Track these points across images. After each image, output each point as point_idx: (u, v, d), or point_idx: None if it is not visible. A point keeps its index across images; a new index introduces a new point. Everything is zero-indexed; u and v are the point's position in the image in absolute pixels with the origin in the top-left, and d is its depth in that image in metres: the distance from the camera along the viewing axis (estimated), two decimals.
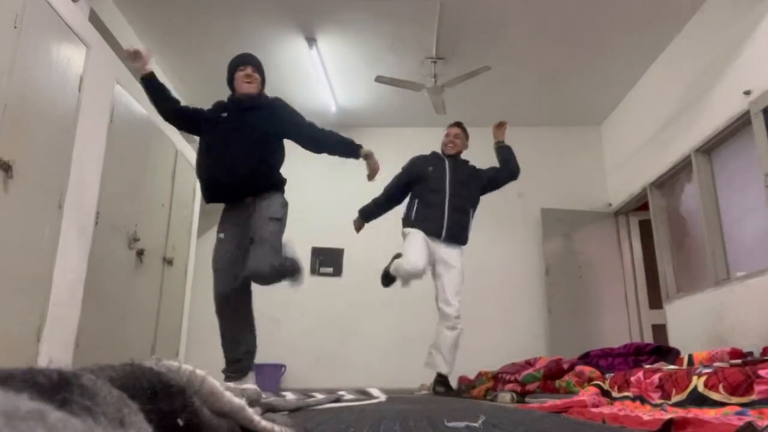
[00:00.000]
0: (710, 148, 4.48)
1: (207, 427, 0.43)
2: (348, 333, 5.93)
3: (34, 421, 0.22)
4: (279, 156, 3.08)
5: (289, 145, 3.11)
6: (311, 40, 5.00)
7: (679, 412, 1.29)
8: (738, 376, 1.35)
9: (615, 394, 1.91)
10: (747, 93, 3.92)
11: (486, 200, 6.99)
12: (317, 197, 6.25)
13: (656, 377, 1.67)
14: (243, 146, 2.86)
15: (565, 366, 2.98)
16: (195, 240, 5.34)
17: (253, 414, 0.51)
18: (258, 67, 3.10)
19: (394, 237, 3.93)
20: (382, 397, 2.66)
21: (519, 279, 6.19)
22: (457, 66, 5.20)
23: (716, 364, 1.81)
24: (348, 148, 3.11)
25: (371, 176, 3.13)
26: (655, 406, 1.58)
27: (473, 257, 6.05)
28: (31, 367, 0.30)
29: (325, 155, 3.17)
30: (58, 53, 3.07)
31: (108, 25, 4.34)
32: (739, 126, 4.09)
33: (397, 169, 4.02)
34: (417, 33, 4.94)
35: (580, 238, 6.19)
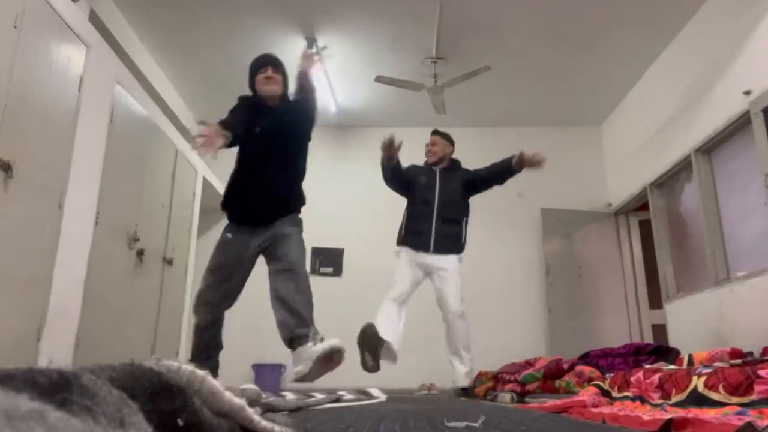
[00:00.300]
0: (710, 148, 4.48)
1: (207, 427, 0.43)
2: (348, 333, 5.91)
3: (34, 421, 0.22)
4: (304, 169, 2.99)
5: None
6: (311, 40, 5.00)
7: (679, 412, 1.29)
8: (738, 376, 1.35)
9: (615, 394, 1.91)
10: (747, 93, 3.92)
11: (486, 200, 6.98)
12: (317, 197, 6.23)
13: (656, 377, 1.67)
14: (278, 168, 2.77)
15: (565, 366, 2.98)
16: (195, 240, 5.34)
17: (253, 414, 0.51)
18: (278, 66, 3.01)
19: (394, 237, 3.94)
20: (382, 397, 2.66)
21: (519, 279, 6.19)
22: (457, 66, 5.19)
23: (716, 364, 1.81)
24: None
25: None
26: (655, 406, 1.58)
27: (473, 257, 6.04)
28: (31, 367, 0.30)
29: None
30: (58, 53, 3.07)
31: (108, 25, 4.34)
32: (739, 126, 4.09)
33: None
34: (417, 33, 4.94)
35: (580, 238, 6.19)
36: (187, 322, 5.10)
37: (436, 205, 3.70)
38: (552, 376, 2.96)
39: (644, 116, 5.57)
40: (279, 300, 2.62)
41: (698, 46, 4.61)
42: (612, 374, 2.20)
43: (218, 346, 2.82)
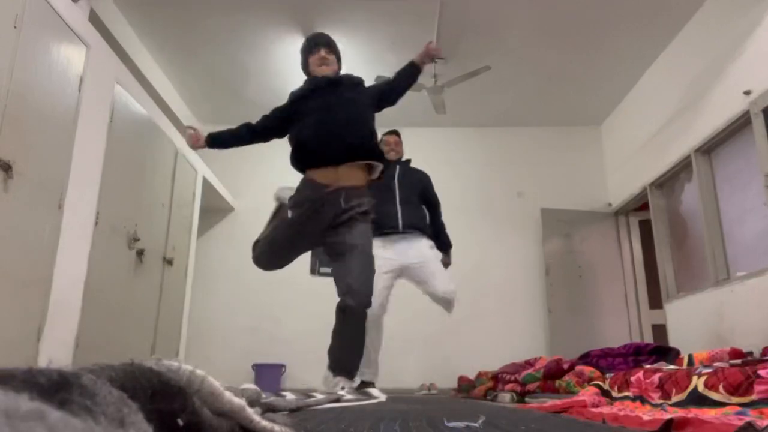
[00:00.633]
0: (710, 148, 4.48)
1: (207, 427, 0.43)
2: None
3: (34, 421, 0.22)
4: (373, 128, 2.87)
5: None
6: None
7: (679, 412, 1.29)
8: (738, 376, 1.35)
9: (615, 394, 1.91)
10: (747, 93, 3.92)
11: (486, 200, 6.99)
12: None
13: (656, 377, 1.67)
14: (347, 112, 2.67)
15: (565, 366, 2.98)
16: (195, 240, 5.34)
17: (253, 414, 0.51)
18: (331, 46, 2.90)
19: None
20: (382, 397, 2.66)
21: (519, 279, 6.19)
22: (457, 66, 5.20)
23: (716, 364, 1.81)
24: (413, 77, 3.05)
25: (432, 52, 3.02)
26: (655, 406, 1.58)
27: (473, 257, 6.07)
28: (31, 367, 0.30)
29: None
30: (58, 53, 3.07)
31: (108, 25, 4.35)
32: (739, 126, 4.09)
33: None
34: (417, 33, 4.94)
35: (580, 238, 6.19)
36: (187, 322, 5.11)
37: (397, 192, 3.65)
38: (552, 376, 2.96)
39: (644, 116, 5.57)
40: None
41: (698, 46, 4.61)
42: (612, 374, 2.20)
43: None
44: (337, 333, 2.61)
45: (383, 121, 6.99)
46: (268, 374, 5.64)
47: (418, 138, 5.12)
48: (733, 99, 4.05)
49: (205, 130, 2.95)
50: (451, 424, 0.81)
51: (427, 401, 2.74)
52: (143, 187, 4.22)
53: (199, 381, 0.45)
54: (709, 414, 1.23)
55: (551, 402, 1.87)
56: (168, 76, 5.68)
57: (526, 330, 5.98)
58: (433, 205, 3.83)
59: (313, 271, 6.17)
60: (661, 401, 1.58)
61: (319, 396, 1.90)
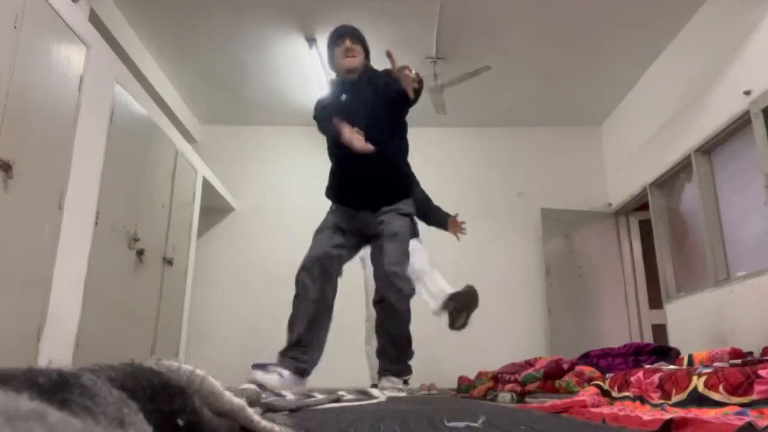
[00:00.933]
0: (710, 148, 4.48)
1: (207, 427, 0.43)
2: (348, 333, 5.92)
3: (34, 421, 0.22)
4: (405, 143, 2.77)
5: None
6: (311, 41, 5.01)
7: (679, 412, 1.29)
8: (738, 376, 1.35)
9: (615, 394, 1.91)
10: (747, 93, 3.92)
11: (486, 200, 6.98)
12: (317, 197, 6.25)
13: (656, 377, 1.67)
14: (369, 140, 2.51)
15: (565, 366, 2.98)
16: (195, 240, 5.34)
17: (253, 414, 0.51)
18: (356, 36, 2.78)
19: None
20: (382, 397, 2.66)
21: (519, 279, 6.19)
22: (457, 66, 5.20)
23: (716, 364, 1.81)
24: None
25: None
26: (655, 406, 1.58)
27: (473, 257, 6.07)
28: (31, 367, 0.30)
29: None
30: (58, 53, 3.07)
31: (108, 25, 4.35)
32: (739, 126, 4.09)
33: None
34: (417, 33, 4.94)
35: (580, 238, 6.19)
36: (187, 322, 5.11)
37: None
38: (552, 376, 2.96)
39: (644, 116, 5.57)
40: None
41: (698, 46, 4.61)
42: (612, 374, 2.20)
43: None
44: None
45: None
46: None
47: (418, 138, 5.10)
48: (733, 99, 4.05)
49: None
50: (451, 424, 0.81)
51: (427, 401, 2.74)
52: (143, 187, 4.22)
53: (199, 381, 0.45)
54: (709, 414, 1.23)
55: (551, 402, 1.87)
56: (168, 76, 5.68)
57: (526, 330, 5.98)
58: None
59: None
60: (661, 401, 1.58)
61: (319, 396, 1.90)
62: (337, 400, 1.93)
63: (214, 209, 6.14)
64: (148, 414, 0.34)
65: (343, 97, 2.73)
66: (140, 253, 4.03)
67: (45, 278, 2.94)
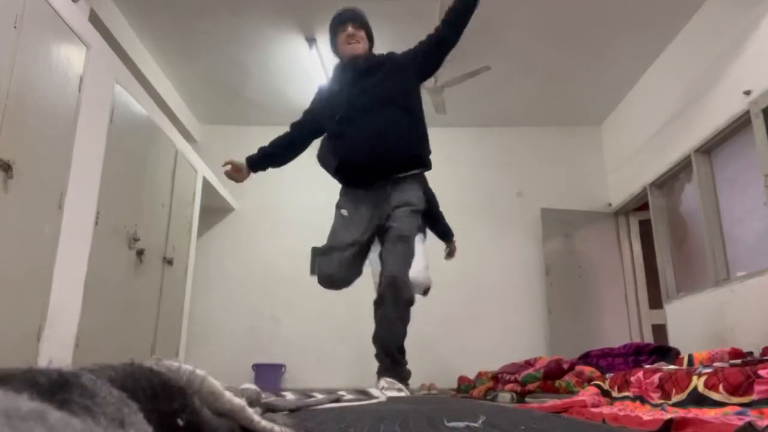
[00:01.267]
0: (710, 148, 4.48)
1: (207, 427, 0.43)
2: (348, 333, 5.93)
3: (34, 421, 0.22)
4: (421, 119, 2.62)
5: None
6: (311, 40, 5.01)
7: (679, 412, 1.29)
8: (738, 376, 1.35)
9: (615, 394, 1.91)
10: (747, 93, 3.92)
11: (486, 200, 6.98)
12: (317, 197, 6.26)
13: (656, 377, 1.67)
14: (374, 115, 2.46)
15: (565, 366, 2.99)
16: (195, 240, 5.34)
17: (253, 414, 0.51)
18: (358, 21, 2.68)
19: None
20: (382, 397, 2.66)
21: (519, 279, 6.19)
22: (457, 66, 5.19)
23: (716, 364, 1.81)
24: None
25: None
26: (655, 406, 1.58)
27: (473, 257, 6.07)
28: (31, 367, 0.30)
29: None
30: (58, 53, 3.07)
31: (108, 25, 4.35)
32: (739, 126, 4.09)
33: None
34: (417, 33, 4.92)
35: (580, 238, 6.19)
36: (187, 322, 5.11)
37: None
38: (552, 376, 2.96)
39: (644, 116, 5.57)
40: None
41: (698, 46, 4.62)
42: (612, 374, 2.20)
43: None
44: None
45: None
46: (268, 374, 5.64)
47: None
48: (733, 99, 4.05)
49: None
50: (451, 424, 0.81)
51: (427, 401, 2.74)
52: (143, 187, 4.22)
53: (199, 381, 0.45)
54: (709, 414, 1.23)
55: (551, 402, 1.87)
56: (168, 76, 5.68)
57: (526, 330, 5.98)
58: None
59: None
60: (661, 401, 1.58)
61: (319, 396, 1.90)
62: (337, 400, 1.93)
63: (214, 209, 6.14)
64: (148, 414, 0.34)
65: (346, 83, 2.65)
66: (140, 253, 4.03)
67: (45, 278, 2.94)
